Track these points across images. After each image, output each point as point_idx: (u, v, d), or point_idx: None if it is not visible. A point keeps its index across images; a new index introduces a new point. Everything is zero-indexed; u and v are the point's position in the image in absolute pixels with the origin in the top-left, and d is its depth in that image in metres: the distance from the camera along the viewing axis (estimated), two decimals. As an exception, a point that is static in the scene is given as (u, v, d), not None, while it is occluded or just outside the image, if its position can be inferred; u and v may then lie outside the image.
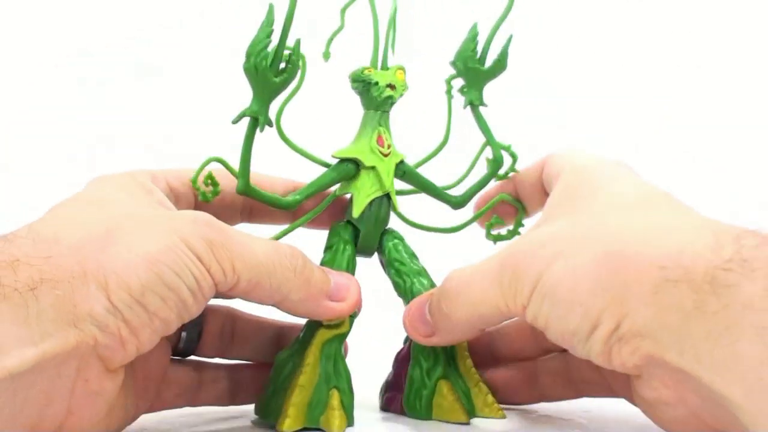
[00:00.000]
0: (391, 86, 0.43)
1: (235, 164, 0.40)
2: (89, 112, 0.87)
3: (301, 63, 0.40)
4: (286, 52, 0.39)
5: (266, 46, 0.38)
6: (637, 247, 0.34)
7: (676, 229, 0.34)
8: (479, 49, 0.45)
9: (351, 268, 0.43)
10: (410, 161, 0.45)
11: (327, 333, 0.41)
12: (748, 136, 0.89)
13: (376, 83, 0.42)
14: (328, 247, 0.43)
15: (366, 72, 0.43)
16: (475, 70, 0.45)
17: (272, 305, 0.39)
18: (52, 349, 0.31)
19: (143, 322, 0.33)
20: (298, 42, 0.39)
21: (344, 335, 0.42)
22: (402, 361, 0.45)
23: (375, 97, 0.43)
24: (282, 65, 0.39)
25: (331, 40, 0.43)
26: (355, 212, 0.43)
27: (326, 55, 0.43)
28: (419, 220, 0.46)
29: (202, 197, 0.40)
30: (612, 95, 0.90)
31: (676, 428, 0.35)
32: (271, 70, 0.38)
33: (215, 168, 0.40)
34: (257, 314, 0.46)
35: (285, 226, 0.43)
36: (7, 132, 0.87)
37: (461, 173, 0.47)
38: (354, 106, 0.44)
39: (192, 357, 0.44)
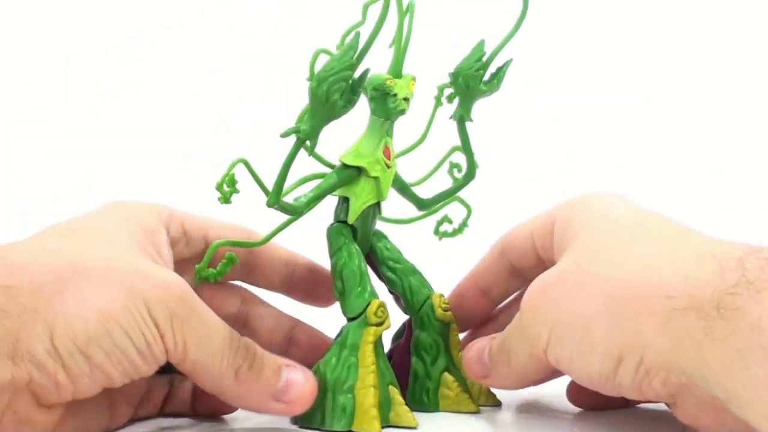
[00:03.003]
0: (406, 99, 0.42)
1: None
2: (89, 112, 0.88)
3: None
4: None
5: (345, 78, 0.37)
6: (641, 279, 0.35)
7: (677, 257, 0.35)
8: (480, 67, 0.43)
9: (365, 268, 0.42)
10: None
11: (377, 330, 0.41)
12: (748, 139, 0.87)
13: (395, 95, 0.41)
14: (338, 249, 0.43)
15: (388, 83, 0.41)
16: (474, 89, 0.43)
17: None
18: None
19: (83, 371, 0.34)
20: (365, 74, 0.38)
21: (384, 330, 0.41)
22: (396, 358, 0.45)
23: (390, 108, 0.42)
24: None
25: (347, 33, 0.41)
26: (351, 217, 0.43)
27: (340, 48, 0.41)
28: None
29: (223, 199, 0.39)
30: (591, 100, 0.89)
31: None
32: (340, 102, 0.37)
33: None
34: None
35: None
36: (7, 132, 0.87)
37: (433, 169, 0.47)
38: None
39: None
